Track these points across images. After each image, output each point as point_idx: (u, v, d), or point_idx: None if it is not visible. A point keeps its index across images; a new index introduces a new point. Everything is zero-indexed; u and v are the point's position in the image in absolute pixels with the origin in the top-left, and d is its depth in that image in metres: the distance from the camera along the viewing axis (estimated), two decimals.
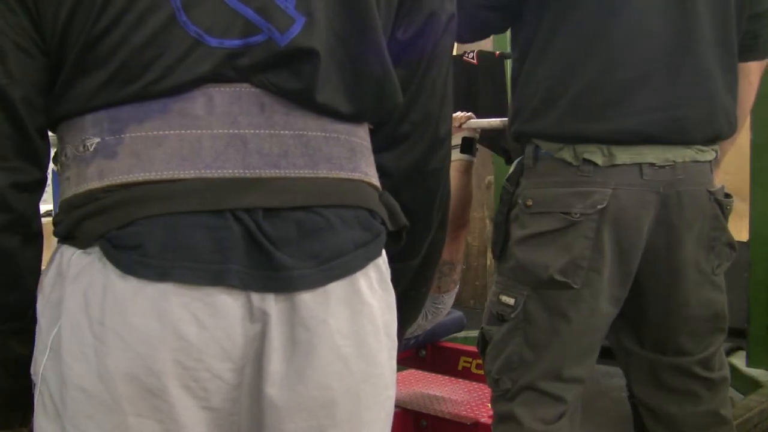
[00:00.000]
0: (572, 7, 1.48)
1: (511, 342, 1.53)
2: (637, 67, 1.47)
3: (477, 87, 3.52)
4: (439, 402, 2.45)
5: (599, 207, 1.46)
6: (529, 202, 1.50)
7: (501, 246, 1.56)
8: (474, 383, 2.54)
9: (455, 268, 2.35)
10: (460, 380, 2.55)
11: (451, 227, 2.08)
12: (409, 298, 1.10)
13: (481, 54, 3.60)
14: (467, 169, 2.25)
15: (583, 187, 1.47)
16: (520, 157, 1.58)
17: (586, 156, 1.46)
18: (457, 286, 2.42)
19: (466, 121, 2.25)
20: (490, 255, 5.07)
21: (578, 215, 1.46)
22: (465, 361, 2.36)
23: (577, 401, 1.59)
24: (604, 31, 1.46)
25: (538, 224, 1.49)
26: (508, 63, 3.78)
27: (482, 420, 2.30)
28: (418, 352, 2.48)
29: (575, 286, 1.48)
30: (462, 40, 1.54)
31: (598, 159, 1.46)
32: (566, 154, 1.48)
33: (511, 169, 1.58)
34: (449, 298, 2.39)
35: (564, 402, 1.55)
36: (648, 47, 1.47)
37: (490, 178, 4.77)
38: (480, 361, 2.33)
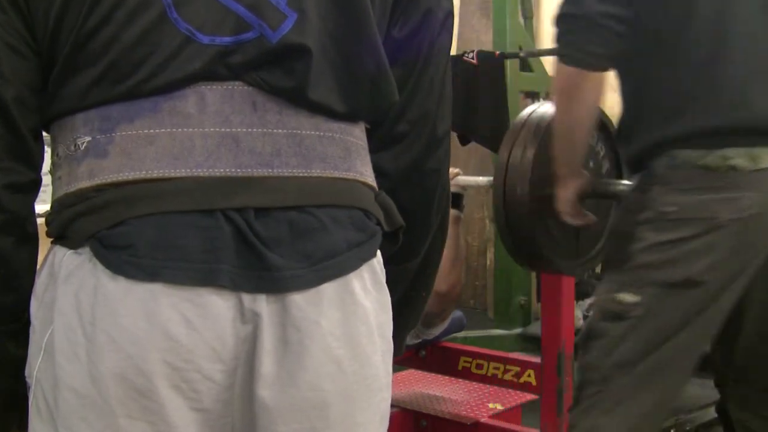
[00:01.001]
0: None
1: (628, 338, 1.52)
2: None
3: (477, 87, 3.52)
4: (439, 402, 2.45)
5: (748, 212, 1.45)
6: (669, 209, 1.48)
7: (623, 250, 1.54)
8: (474, 383, 2.54)
9: (447, 308, 2.35)
10: (460, 380, 2.55)
11: (440, 284, 2.07)
12: (410, 302, 1.09)
13: (481, 54, 3.60)
14: (456, 223, 2.23)
15: (730, 192, 1.46)
16: (640, 172, 1.56)
17: (731, 162, 1.46)
18: (445, 323, 2.42)
19: (454, 178, 2.25)
20: (490, 255, 5.07)
21: (725, 220, 1.45)
22: (465, 361, 2.36)
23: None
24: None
25: (680, 230, 1.48)
26: (508, 63, 3.78)
27: (482, 420, 2.30)
28: (418, 352, 2.48)
29: (711, 289, 1.47)
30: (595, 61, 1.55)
31: (744, 163, 1.46)
32: (710, 160, 1.47)
33: (635, 181, 1.56)
34: (436, 332, 2.41)
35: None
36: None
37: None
38: (480, 361, 2.34)
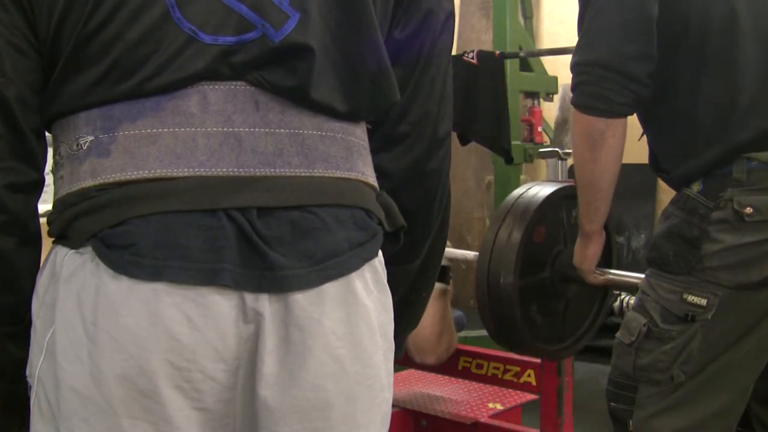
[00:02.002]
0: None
1: (694, 340, 1.52)
2: None
3: (477, 87, 3.52)
4: (439, 402, 2.45)
5: None
6: (749, 210, 1.48)
7: (685, 258, 1.53)
8: (474, 383, 2.54)
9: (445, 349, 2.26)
10: (460, 380, 2.55)
11: (428, 356, 2.02)
12: (410, 303, 1.09)
13: (481, 54, 3.60)
14: (442, 296, 2.16)
15: None
16: (700, 178, 1.55)
17: None
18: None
19: None
20: None
21: None
22: (465, 361, 2.35)
23: None
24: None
25: (760, 232, 1.48)
26: (508, 63, 3.78)
27: (482, 420, 2.30)
28: None
29: None
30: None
31: None
32: None
33: (699, 186, 1.54)
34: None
35: None
36: None
37: (490, 178, 4.77)
38: (480, 361, 2.34)
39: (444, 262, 2.17)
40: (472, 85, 3.52)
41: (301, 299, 0.82)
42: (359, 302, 0.86)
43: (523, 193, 1.91)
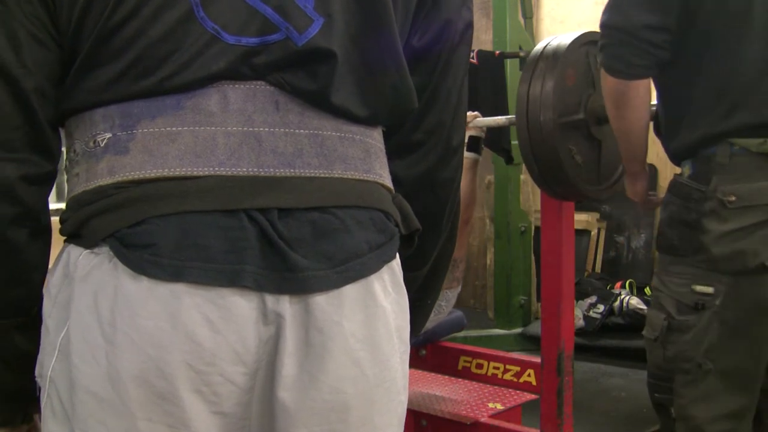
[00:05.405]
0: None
1: (711, 327, 1.58)
2: None
3: (477, 86, 3.52)
4: (439, 402, 2.45)
5: None
6: (732, 198, 1.54)
7: (689, 241, 1.60)
8: (474, 383, 2.54)
9: (458, 266, 2.35)
10: (460, 380, 2.55)
11: None
12: (416, 309, 1.07)
13: (481, 54, 3.60)
14: (473, 167, 2.27)
15: None
16: (688, 159, 1.61)
17: None
18: (460, 285, 2.42)
19: (473, 120, 2.25)
20: (490, 255, 5.07)
21: None
22: (465, 361, 2.35)
23: None
24: None
25: (744, 218, 1.54)
26: (508, 62, 3.78)
27: (482, 420, 2.30)
28: (417, 351, 2.48)
29: None
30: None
31: None
32: None
33: (689, 170, 1.62)
34: (452, 296, 2.39)
35: None
36: None
37: (490, 177, 4.77)
38: (480, 361, 2.34)
39: (477, 133, 2.24)
40: (472, 85, 3.52)
41: (321, 301, 0.81)
42: (378, 304, 0.86)
43: (549, 42, 2.00)
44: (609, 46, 1.59)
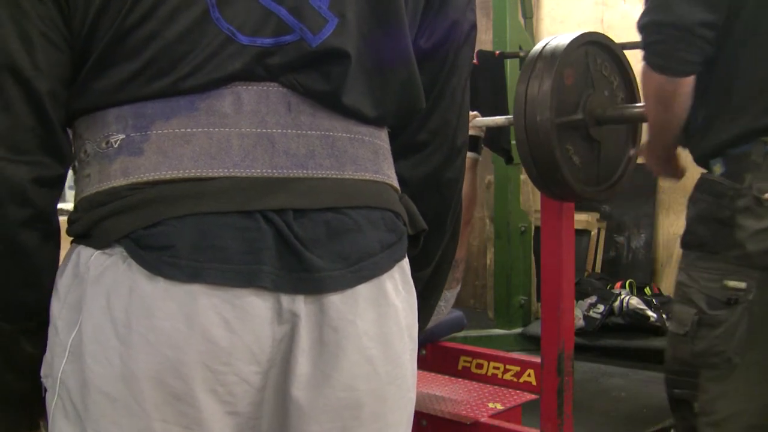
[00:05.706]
0: None
1: (741, 322, 1.59)
2: None
3: (477, 87, 3.52)
4: (439, 402, 2.45)
5: None
6: (764, 195, 1.54)
7: (722, 238, 1.60)
8: (474, 383, 2.54)
9: (458, 266, 2.35)
10: (460, 380, 2.55)
11: None
12: (419, 309, 1.10)
13: (481, 54, 3.60)
14: (473, 167, 2.27)
15: None
16: (718, 158, 1.61)
17: None
18: (459, 285, 2.42)
19: (473, 120, 2.25)
20: (490, 255, 5.07)
21: None
22: (465, 361, 2.36)
23: None
24: None
25: None
26: (508, 62, 3.78)
27: (482, 420, 2.30)
28: (417, 351, 2.48)
29: None
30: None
31: None
32: None
33: (720, 168, 1.62)
34: (452, 296, 2.39)
35: None
36: None
37: (490, 177, 4.77)
38: (480, 361, 2.34)
39: (476, 132, 2.25)
40: (472, 85, 3.52)
41: (335, 300, 0.82)
42: (389, 303, 0.87)
43: (548, 42, 2.00)
44: (659, 44, 1.58)
